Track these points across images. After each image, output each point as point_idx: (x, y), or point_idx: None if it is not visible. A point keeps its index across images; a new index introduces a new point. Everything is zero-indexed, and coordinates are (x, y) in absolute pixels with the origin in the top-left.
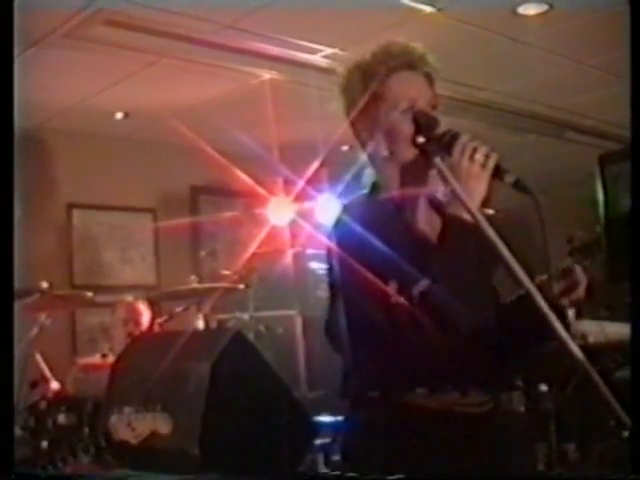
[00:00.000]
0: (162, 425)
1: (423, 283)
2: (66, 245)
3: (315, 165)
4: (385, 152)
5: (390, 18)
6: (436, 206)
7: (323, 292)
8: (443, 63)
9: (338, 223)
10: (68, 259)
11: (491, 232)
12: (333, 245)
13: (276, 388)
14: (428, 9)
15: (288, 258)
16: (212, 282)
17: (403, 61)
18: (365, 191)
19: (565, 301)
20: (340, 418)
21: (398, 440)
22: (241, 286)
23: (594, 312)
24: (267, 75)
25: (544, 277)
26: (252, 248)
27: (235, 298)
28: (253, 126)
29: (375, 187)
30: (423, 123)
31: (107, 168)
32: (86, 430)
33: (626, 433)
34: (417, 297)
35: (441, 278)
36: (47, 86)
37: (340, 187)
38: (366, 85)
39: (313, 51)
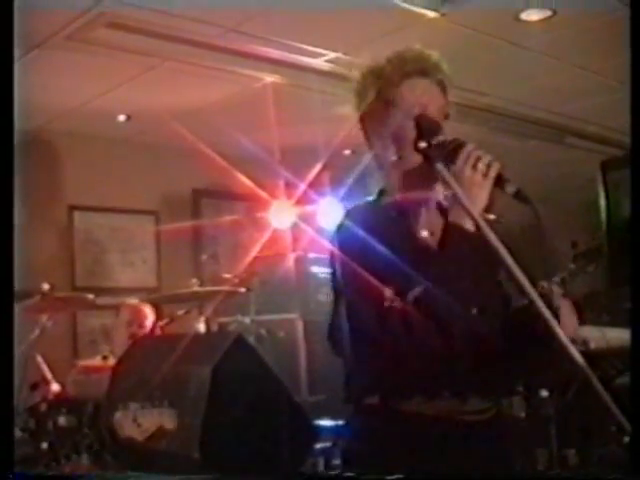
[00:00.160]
0: (168, 420)
1: (418, 289)
2: (67, 247)
3: (317, 168)
4: (393, 157)
5: (393, 23)
6: (439, 213)
7: (324, 296)
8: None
9: (340, 228)
10: (69, 261)
11: (493, 237)
12: (335, 250)
13: (277, 392)
14: (431, 14)
15: (290, 262)
16: (213, 285)
17: (417, 68)
18: (371, 198)
19: None
20: (341, 422)
21: (397, 448)
22: (242, 289)
23: (596, 318)
24: (269, 78)
25: (545, 284)
26: (254, 251)
27: (236, 301)
28: (255, 129)
29: (381, 193)
30: (425, 127)
31: (109, 170)
32: (87, 431)
33: (627, 438)
34: (411, 302)
35: (437, 285)
36: (49, 88)
37: (342, 191)
38: (379, 90)
39: (315, 55)
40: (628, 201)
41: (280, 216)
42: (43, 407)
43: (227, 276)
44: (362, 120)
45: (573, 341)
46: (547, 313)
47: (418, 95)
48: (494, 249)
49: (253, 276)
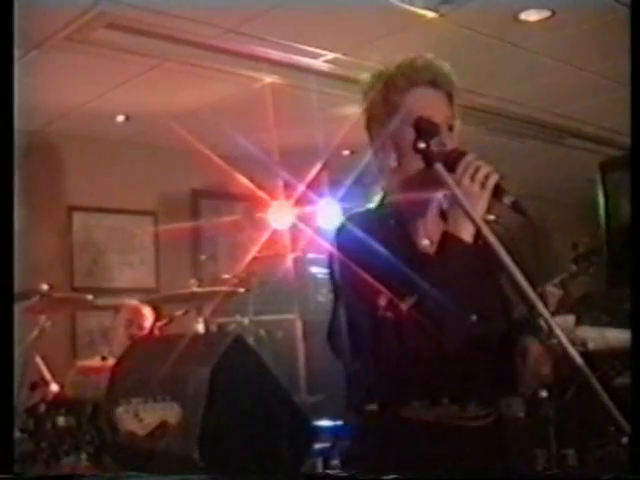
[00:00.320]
0: (171, 415)
1: (414, 297)
2: (66, 247)
3: (316, 169)
4: (394, 163)
5: (392, 23)
6: (439, 220)
7: (323, 296)
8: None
9: (339, 234)
10: (68, 261)
11: (493, 240)
12: (334, 254)
13: (276, 392)
14: (430, 14)
15: (288, 262)
16: (212, 286)
17: (426, 77)
18: (371, 205)
19: None
20: (340, 423)
21: (397, 454)
22: (241, 290)
23: (595, 318)
24: (268, 79)
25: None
26: (252, 252)
27: (235, 302)
28: (254, 130)
29: (382, 200)
30: (424, 129)
31: (108, 171)
32: (86, 430)
33: (625, 439)
34: (407, 310)
35: (435, 292)
36: (49, 89)
37: (341, 191)
38: (385, 95)
39: (315, 55)
40: (627, 201)
41: (279, 217)
42: (42, 407)
43: (226, 277)
44: (368, 123)
45: (572, 342)
46: (548, 315)
47: (424, 104)
48: (495, 253)
49: (252, 276)
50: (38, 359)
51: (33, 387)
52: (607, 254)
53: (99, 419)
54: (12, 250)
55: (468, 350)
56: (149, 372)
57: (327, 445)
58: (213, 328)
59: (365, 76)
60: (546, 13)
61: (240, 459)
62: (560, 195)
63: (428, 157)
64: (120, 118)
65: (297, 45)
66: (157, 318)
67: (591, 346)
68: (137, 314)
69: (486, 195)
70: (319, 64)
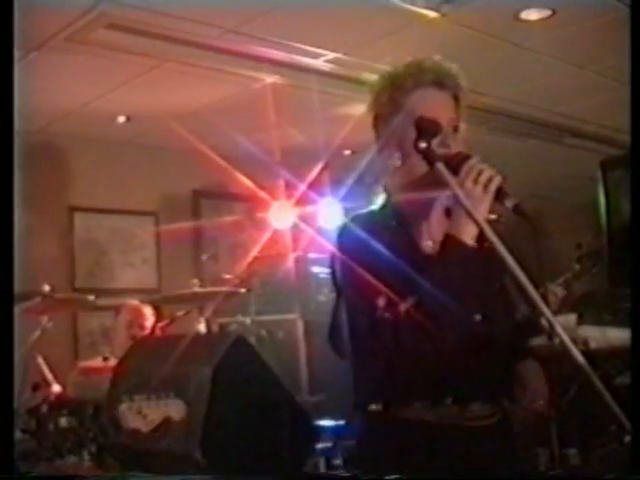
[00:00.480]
0: (175, 411)
1: (415, 297)
2: (68, 248)
3: (317, 169)
4: (397, 162)
5: (393, 23)
6: (443, 220)
7: (325, 296)
8: None
9: (342, 234)
10: (70, 262)
11: (495, 239)
12: (336, 255)
13: (277, 392)
14: (431, 14)
15: (290, 262)
16: (214, 286)
17: (433, 78)
18: (374, 206)
19: None
20: (342, 422)
21: (400, 455)
22: (243, 290)
23: (596, 317)
24: (269, 79)
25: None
26: (254, 252)
27: (237, 302)
28: (255, 130)
29: (385, 201)
30: (425, 128)
31: (109, 171)
32: (87, 431)
33: (627, 437)
34: (407, 311)
35: (437, 292)
36: (49, 89)
37: (342, 191)
38: (391, 95)
39: (315, 55)
40: (628, 200)
41: (280, 216)
42: (44, 408)
43: (227, 277)
44: (375, 122)
45: (574, 341)
46: (550, 315)
47: (429, 105)
48: (497, 254)
49: (253, 277)
50: (40, 360)
51: (35, 388)
52: (608, 252)
53: (102, 418)
54: (13, 251)
55: (471, 350)
56: (151, 371)
57: (329, 445)
58: (214, 328)
59: (371, 76)
60: (547, 12)
61: (242, 459)
62: (561, 194)
63: (429, 157)
64: (121, 119)
65: (298, 45)
66: (158, 318)
67: (593, 345)
68: (138, 314)
69: (488, 198)
70: (320, 64)
